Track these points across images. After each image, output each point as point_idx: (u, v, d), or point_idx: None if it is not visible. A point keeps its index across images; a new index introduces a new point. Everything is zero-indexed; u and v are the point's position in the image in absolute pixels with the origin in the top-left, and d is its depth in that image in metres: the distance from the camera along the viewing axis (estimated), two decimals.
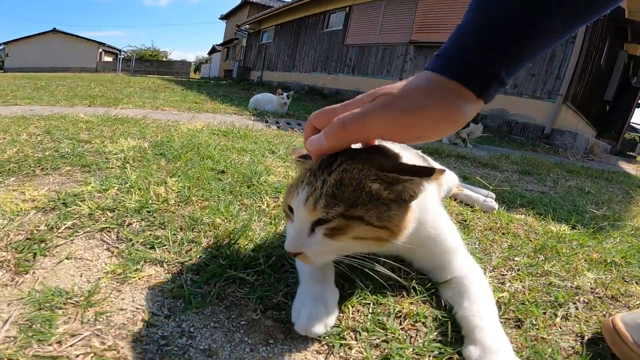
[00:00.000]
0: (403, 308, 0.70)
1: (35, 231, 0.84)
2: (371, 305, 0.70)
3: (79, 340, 0.55)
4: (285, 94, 4.55)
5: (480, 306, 0.65)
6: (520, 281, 0.88)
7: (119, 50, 26.18)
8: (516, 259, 0.98)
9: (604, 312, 0.81)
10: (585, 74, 6.00)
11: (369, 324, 0.64)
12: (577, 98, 5.92)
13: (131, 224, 0.91)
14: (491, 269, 0.92)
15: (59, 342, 0.54)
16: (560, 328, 0.73)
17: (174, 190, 1.11)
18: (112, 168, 1.32)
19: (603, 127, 8.48)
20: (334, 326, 0.61)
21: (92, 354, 0.52)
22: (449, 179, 1.43)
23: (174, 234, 0.87)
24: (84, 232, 0.87)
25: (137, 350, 0.54)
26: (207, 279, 0.72)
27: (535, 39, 0.44)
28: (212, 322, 0.62)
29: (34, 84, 5.82)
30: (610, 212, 1.55)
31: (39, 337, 0.54)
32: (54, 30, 24.12)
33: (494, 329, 0.60)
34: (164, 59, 29.46)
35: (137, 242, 0.83)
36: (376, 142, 0.64)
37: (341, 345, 0.60)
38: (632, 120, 10.33)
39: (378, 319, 0.66)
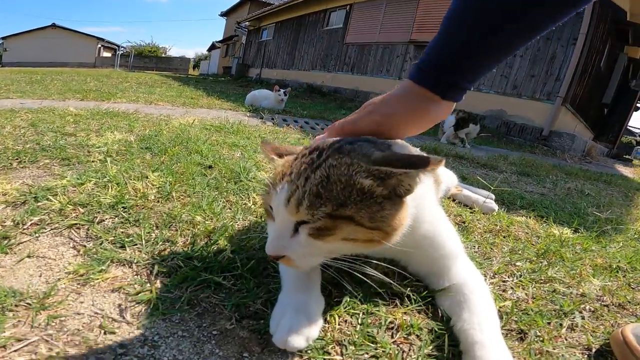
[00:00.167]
0: (396, 318, 0.64)
1: None
2: (360, 315, 0.63)
3: (25, 346, 0.49)
4: (282, 90, 4.48)
5: (482, 319, 0.59)
6: (523, 288, 0.82)
7: (118, 46, 26.00)
8: (518, 264, 0.92)
9: (612, 322, 0.75)
10: (585, 76, 5.95)
11: (357, 336, 0.58)
12: (576, 100, 5.87)
13: (103, 220, 0.85)
14: (492, 274, 0.86)
15: (4, 347, 0.49)
16: (566, 340, 0.67)
17: (155, 186, 1.04)
18: (92, 162, 1.25)
19: (600, 130, 8.45)
20: (317, 339, 0.55)
21: None
22: (448, 179, 1.37)
23: (148, 232, 0.80)
24: (51, 229, 0.80)
25: (88, 359, 0.48)
26: (178, 282, 0.66)
27: (490, 54, 0.55)
28: (180, 331, 0.56)
29: (29, 78, 5.73)
30: (613, 216, 1.49)
31: None
32: (53, 25, 23.99)
33: (496, 345, 0.54)
34: (163, 55, 29.27)
35: (107, 240, 0.76)
36: None
37: None
38: (629, 124, 10.30)
39: (367, 331, 0.59)
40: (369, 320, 0.63)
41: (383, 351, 0.56)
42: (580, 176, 2.88)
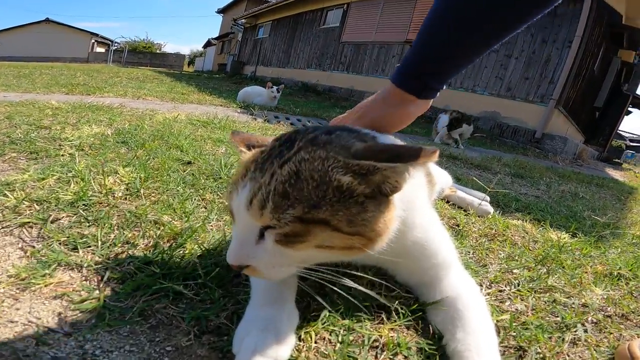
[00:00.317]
0: (381, 336, 0.56)
1: None
2: (341, 331, 0.56)
3: None
4: (275, 87, 4.40)
5: (478, 339, 0.52)
6: (522, 299, 0.75)
7: (111, 41, 25.69)
8: (515, 271, 0.85)
9: (616, 334, 0.70)
10: (579, 79, 5.94)
11: (335, 357, 0.51)
12: (569, 103, 5.86)
13: (59, 219, 0.76)
14: (488, 283, 0.79)
15: None
16: (568, 356, 0.61)
17: (124, 182, 0.96)
18: (62, 155, 1.16)
19: (591, 133, 8.46)
20: None
21: None
22: (442, 179, 1.30)
23: (106, 233, 0.72)
24: (2, 227, 0.72)
25: None
26: (132, 289, 0.58)
27: (456, 60, 0.63)
28: (127, 345, 0.49)
29: (17, 72, 5.59)
30: (611, 220, 1.44)
31: None
32: (47, 20, 23.72)
33: None
34: (158, 52, 28.95)
35: (58, 241, 0.68)
36: None
37: None
38: (619, 128, 10.36)
39: (348, 351, 0.52)
40: (351, 338, 0.55)
41: None
42: (572, 179, 2.85)
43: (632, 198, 2.59)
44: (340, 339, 0.55)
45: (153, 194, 0.93)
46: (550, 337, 0.62)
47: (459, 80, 6.58)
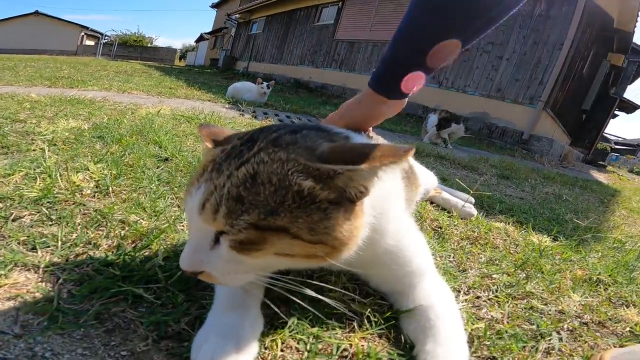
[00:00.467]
0: (351, 344, 0.54)
1: None
2: (309, 340, 0.54)
3: None
4: (265, 83, 4.35)
5: (448, 350, 0.50)
6: (499, 305, 0.74)
7: (101, 34, 25.25)
8: (495, 276, 0.84)
9: (591, 343, 0.69)
10: (568, 81, 6.01)
11: None
12: (557, 105, 5.92)
13: (22, 217, 0.72)
14: (466, 289, 0.77)
15: None
16: None
17: (94, 179, 0.92)
18: (33, 150, 1.12)
19: (578, 136, 8.58)
20: None
21: None
22: (428, 180, 1.29)
23: (69, 232, 0.69)
24: None
25: None
26: (89, 292, 0.55)
27: (423, 66, 0.65)
28: (80, 348, 0.47)
29: (1, 65, 5.43)
30: (593, 223, 1.44)
31: None
32: (36, 13, 23.30)
33: None
34: (149, 45, 28.52)
35: (17, 240, 0.65)
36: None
37: None
38: (605, 131, 10.53)
39: None
40: (319, 347, 0.53)
41: None
42: (557, 181, 2.88)
43: (614, 201, 2.62)
44: (308, 348, 0.53)
45: (124, 192, 0.90)
46: (524, 347, 0.61)
47: (450, 80, 6.60)
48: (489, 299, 0.76)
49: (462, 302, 0.72)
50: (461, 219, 1.22)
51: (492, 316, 0.69)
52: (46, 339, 0.47)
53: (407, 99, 0.73)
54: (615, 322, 0.76)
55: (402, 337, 0.57)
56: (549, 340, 0.65)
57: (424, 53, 0.63)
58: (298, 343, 0.54)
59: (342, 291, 0.63)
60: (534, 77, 5.59)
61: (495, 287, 0.80)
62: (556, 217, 1.53)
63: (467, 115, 5.94)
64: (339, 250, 0.42)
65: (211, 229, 0.41)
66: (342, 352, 0.53)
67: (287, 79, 10.43)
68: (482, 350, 0.58)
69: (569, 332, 0.70)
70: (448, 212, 1.28)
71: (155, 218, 0.78)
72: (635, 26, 6.63)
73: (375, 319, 0.60)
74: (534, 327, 0.68)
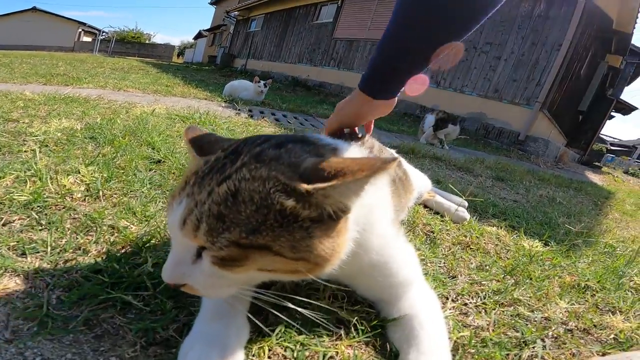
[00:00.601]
0: (337, 352, 0.55)
1: None
2: (296, 348, 0.54)
3: None
4: (262, 82, 4.34)
5: (430, 359, 0.50)
6: (486, 312, 0.74)
7: (99, 31, 25.11)
8: (483, 283, 0.85)
9: (574, 350, 0.69)
10: (565, 82, 6.02)
11: None
12: (553, 106, 5.93)
13: (12, 222, 0.72)
14: (455, 296, 0.78)
15: None
16: None
17: (84, 182, 0.92)
18: (25, 152, 1.11)
19: (574, 136, 8.61)
20: None
21: None
22: (421, 183, 1.29)
23: (58, 238, 0.69)
24: None
25: None
26: (78, 298, 0.56)
27: (404, 71, 0.70)
28: (69, 354, 0.47)
29: None
30: (584, 228, 1.45)
31: None
32: (34, 9, 23.18)
33: None
34: (147, 42, 28.39)
35: (7, 245, 0.65)
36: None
37: None
38: (601, 132, 10.55)
39: None
40: (306, 354, 0.54)
41: None
42: (552, 182, 2.89)
43: (608, 203, 2.64)
44: (295, 355, 0.54)
45: (115, 195, 0.90)
46: (507, 355, 0.62)
47: (447, 80, 6.61)
48: (476, 306, 0.77)
49: (450, 310, 0.73)
50: (454, 223, 1.23)
51: (478, 324, 0.69)
52: (36, 344, 0.48)
53: (395, 99, 0.77)
54: (600, 329, 0.77)
55: (388, 345, 0.58)
56: (533, 348, 0.66)
57: (409, 53, 0.67)
58: (285, 351, 0.54)
59: (328, 302, 0.64)
60: (531, 77, 5.60)
61: (484, 293, 0.81)
62: (549, 221, 1.54)
63: (464, 116, 5.96)
64: (321, 267, 0.42)
65: (193, 244, 0.41)
66: (328, 359, 0.54)
67: (285, 77, 10.41)
68: (467, 359, 0.59)
69: (553, 340, 0.71)
70: (441, 215, 1.28)
71: (146, 223, 0.79)
72: (634, 27, 6.66)
73: (362, 327, 0.60)
74: (519, 334, 0.69)
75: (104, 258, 0.65)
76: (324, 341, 0.57)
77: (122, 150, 1.20)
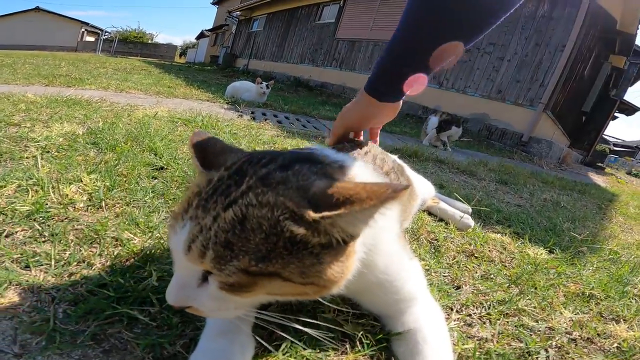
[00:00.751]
0: None
1: None
2: None
3: None
4: (264, 83, 4.33)
5: None
6: (491, 323, 0.74)
7: (101, 31, 25.19)
8: (488, 292, 0.84)
9: None
10: (569, 83, 5.99)
11: None
12: (557, 107, 5.91)
13: (14, 233, 0.72)
14: (459, 307, 0.78)
15: None
16: None
17: (87, 191, 0.92)
18: (26, 158, 1.11)
19: (577, 137, 8.57)
20: None
21: None
22: (425, 190, 1.28)
23: (62, 250, 0.69)
24: None
25: None
26: (84, 313, 0.55)
27: (407, 74, 0.68)
28: None
29: (0, 61, 5.40)
30: (589, 235, 1.44)
31: None
32: (37, 9, 23.28)
33: None
34: (149, 42, 28.46)
35: (11, 258, 0.65)
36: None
37: None
38: (604, 132, 10.50)
39: None
40: None
41: None
42: (555, 185, 2.87)
43: (612, 206, 2.62)
44: None
45: (118, 205, 0.90)
46: None
47: (450, 80, 6.59)
48: (480, 317, 0.76)
49: (454, 321, 0.73)
50: (458, 230, 1.22)
51: (482, 335, 0.69)
52: (46, 359, 0.48)
53: (400, 103, 0.76)
54: (604, 338, 0.77)
55: (393, 359, 0.58)
56: (537, 358, 0.65)
57: (417, 55, 0.65)
58: None
59: (333, 315, 0.63)
60: (535, 78, 5.58)
61: (488, 303, 0.80)
62: (553, 226, 1.53)
63: (467, 116, 5.93)
64: (328, 289, 0.42)
65: (198, 268, 0.41)
66: None
67: (287, 78, 10.40)
68: None
69: (556, 349, 0.70)
70: (445, 222, 1.27)
71: (149, 235, 0.78)
72: (638, 28, 6.62)
73: (368, 341, 0.60)
74: (523, 345, 0.69)
75: (108, 272, 0.65)
76: (329, 355, 0.57)
77: (124, 157, 1.20)
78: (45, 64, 5.66)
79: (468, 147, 4.53)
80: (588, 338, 0.76)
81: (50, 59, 7.14)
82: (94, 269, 0.66)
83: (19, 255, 0.66)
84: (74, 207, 0.84)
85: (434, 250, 1.03)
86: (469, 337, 0.68)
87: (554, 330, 0.76)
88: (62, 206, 0.82)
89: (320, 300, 0.64)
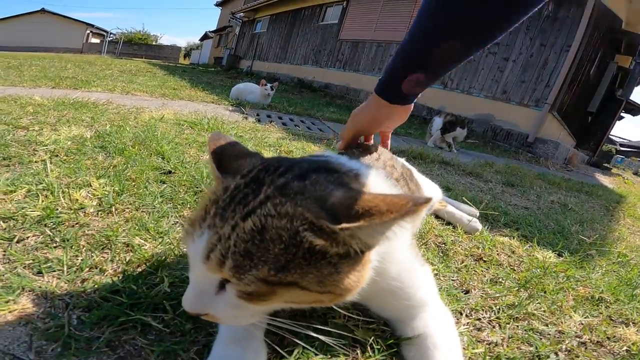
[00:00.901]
0: None
1: None
2: None
3: None
4: (269, 85, 4.33)
5: None
6: (500, 327, 0.74)
7: (106, 32, 25.40)
8: (497, 296, 0.84)
9: None
10: (575, 83, 5.95)
11: None
12: (562, 107, 5.86)
13: (25, 238, 0.73)
14: (469, 311, 0.77)
15: None
16: None
17: (96, 196, 0.92)
18: (35, 162, 1.12)
19: (583, 138, 8.49)
20: None
21: None
22: (433, 193, 1.27)
23: (74, 256, 0.69)
24: None
25: None
26: (98, 319, 0.56)
27: (426, 75, 0.68)
28: None
29: (6, 64, 5.44)
30: (597, 238, 1.43)
31: None
32: (43, 10, 23.51)
33: None
34: (154, 43, 28.65)
35: (23, 264, 0.65)
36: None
37: None
38: (611, 132, 10.39)
39: None
40: None
41: None
42: (562, 187, 2.85)
43: (620, 208, 2.59)
44: None
45: (127, 209, 0.90)
46: None
47: (455, 81, 6.56)
48: (490, 321, 0.76)
49: (464, 325, 0.72)
50: (466, 233, 1.22)
51: (492, 339, 0.69)
52: None
53: (412, 105, 0.76)
54: (613, 342, 0.77)
55: None
56: None
57: (424, 56, 0.65)
58: None
59: (344, 321, 0.63)
60: (540, 79, 5.54)
61: (498, 307, 0.80)
62: (561, 229, 1.52)
63: (472, 117, 5.91)
64: (344, 297, 0.42)
65: (216, 276, 0.41)
66: None
67: (291, 79, 10.42)
68: None
69: (566, 353, 0.70)
70: (453, 226, 1.27)
71: (160, 240, 0.79)
72: None
73: (379, 346, 0.60)
74: (533, 349, 0.69)
75: (120, 278, 0.65)
76: None
77: (132, 161, 1.20)
78: (51, 65, 5.71)
79: (473, 148, 4.51)
80: (598, 341, 0.76)
81: (56, 61, 7.20)
82: (106, 275, 0.66)
83: (31, 261, 0.66)
84: (85, 212, 0.85)
85: (442, 255, 1.02)
86: (479, 341, 0.68)
87: (563, 333, 0.76)
88: (72, 211, 0.83)
89: (332, 306, 0.65)
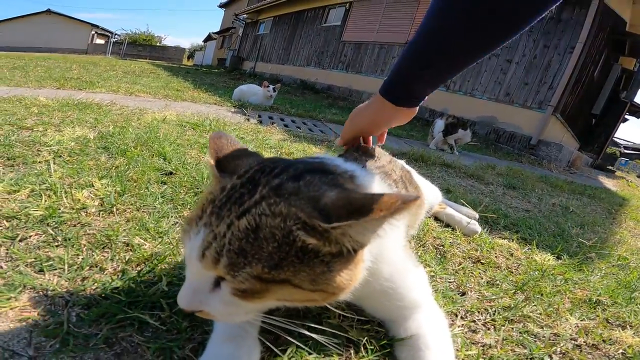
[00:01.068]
0: None
1: None
2: None
3: None
4: (271, 86, 4.35)
5: None
6: (495, 329, 0.74)
7: (111, 33, 25.60)
8: (493, 299, 0.84)
9: None
10: (578, 85, 5.92)
11: None
12: (566, 110, 5.83)
13: (28, 237, 0.74)
14: (464, 313, 0.78)
15: None
16: None
17: (98, 196, 0.94)
18: (39, 163, 1.13)
19: (587, 140, 8.43)
20: None
21: None
22: (432, 196, 1.28)
23: (75, 255, 0.71)
24: None
25: None
26: (96, 316, 0.57)
27: (427, 80, 0.68)
28: None
29: (12, 64, 5.50)
30: (597, 241, 1.43)
31: None
32: (48, 11, 23.74)
33: None
34: (158, 44, 28.85)
35: (25, 262, 0.67)
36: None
37: None
38: (615, 135, 10.31)
39: None
40: None
41: None
42: (565, 189, 2.84)
43: (622, 211, 2.59)
44: None
45: (128, 210, 0.92)
46: None
47: (457, 83, 6.56)
48: (485, 323, 0.76)
49: (459, 327, 0.73)
50: (465, 236, 1.22)
51: (486, 341, 0.69)
52: None
53: (417, 108, 0.73)
54: (609, 344, 0.77)
55: None
56: None
57: (433, 58, 0.63)
58: None
59: (338, 321, 0.64)
60: (543, 81, 5.52)
61: (494, 310, 0.81)
62: (561, 232, 1.52)
63: (475, 120, 5.89)
64: (337, 296, 0.43)
65: (211, 274, 0.42)
66: None
67: (294, 80, 10.45)
68: None
69: (560, 356, 0.71)
70: (452, 228, 1.27)
71: (159, 240, 0.80)
72: None
73: (372, 347, 0.61)
74: (527, 351, 0.69)
75: (120, 276, 0.66)
76: None
77: (134, 162, 1.22)
78: (56, 66, 5.77)
79: (475, 150, 4.51)
80: (593, 344, 0.76)
81: (61, 62, 7.27)
82: (106, 274, 0.67)
83: (33, 259, 0.68)
84: (86, 212, 0.86)
85: (439, 257, 1.03)
86: (473, 343, 0.69)
87: (559, 336, 0.76)
88: (74, 211, 0.84)
89: (327, 305, 0.66)
